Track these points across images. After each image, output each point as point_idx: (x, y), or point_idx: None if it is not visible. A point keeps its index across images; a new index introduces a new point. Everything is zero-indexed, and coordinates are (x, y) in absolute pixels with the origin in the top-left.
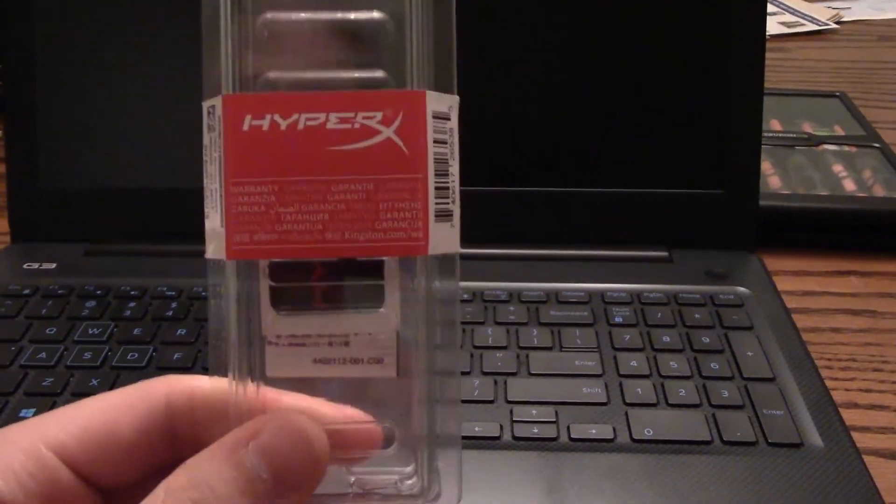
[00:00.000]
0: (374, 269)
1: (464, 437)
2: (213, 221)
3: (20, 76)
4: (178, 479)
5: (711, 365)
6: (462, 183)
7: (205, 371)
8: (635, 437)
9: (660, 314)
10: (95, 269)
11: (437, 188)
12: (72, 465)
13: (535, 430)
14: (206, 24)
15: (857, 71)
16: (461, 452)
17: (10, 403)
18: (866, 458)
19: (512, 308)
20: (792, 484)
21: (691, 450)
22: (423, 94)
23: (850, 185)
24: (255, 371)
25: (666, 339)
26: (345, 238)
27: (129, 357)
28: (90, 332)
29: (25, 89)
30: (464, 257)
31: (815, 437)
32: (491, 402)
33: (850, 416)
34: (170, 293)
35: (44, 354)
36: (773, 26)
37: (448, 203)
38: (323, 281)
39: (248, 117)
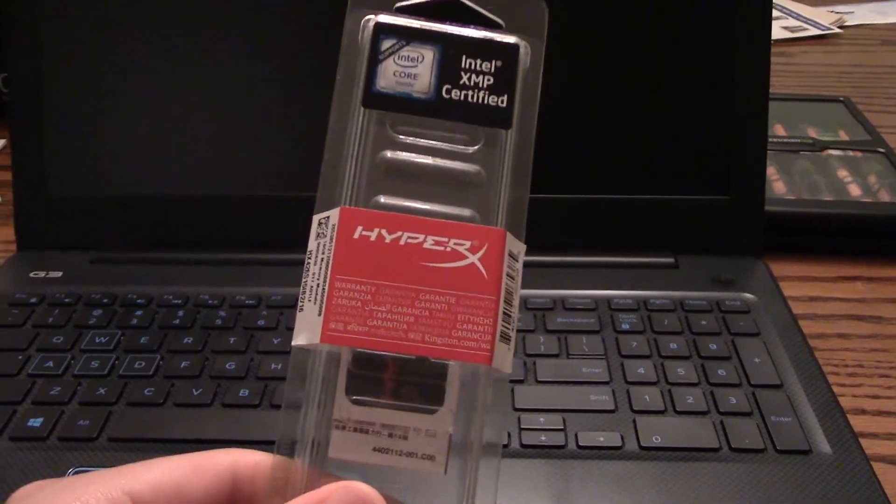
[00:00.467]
0: (441, 372)
1: None
2: (309, 312)
3: (26, 85)
4: None
5: (719, 372)
6: None
7: (216, 379)
8: (643, 444)
9: (666, 321)
10: (102, 277)
11: (503, 313)
12: None
13: (543, 438)
14: (329, 153)
15: (860, 75)
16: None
17: (18, 412)
18: (875, 465)
19: (519, 315)
20: (801, 491)
21: (699, 457)
22: (504, 232)
23: (855, 190)
24: (317, 454)
25: (673, 345)
26: (424, 339)
27: (136, 366)
28: (97, 340)
29: (31, 98)
30: None
31: (823, 444)
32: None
33: (857, 423)
34: (176, 301)
35: (51, 363)
36: (776, 31)
37: (509, 329)
38: (395, 377)
39: (360, 228)
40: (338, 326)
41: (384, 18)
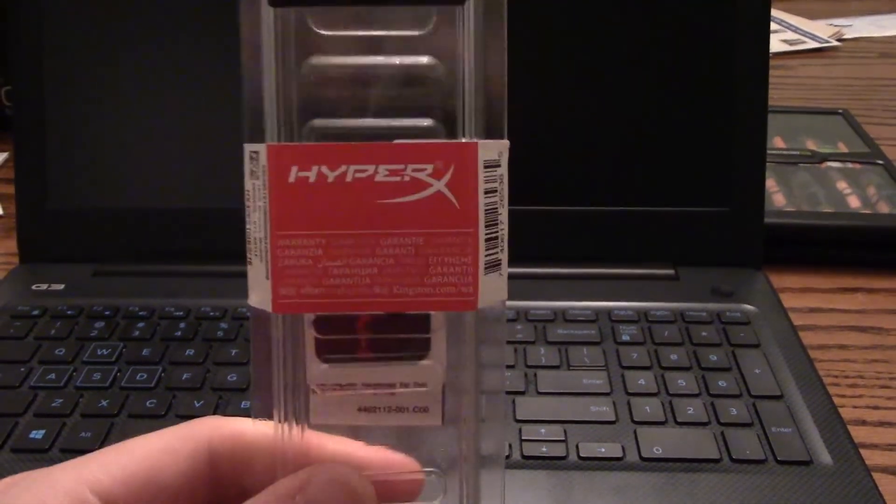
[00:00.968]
0: (421, 322)
1: None
2: (258, 271)
3: (28, 98)
4: None
5: (719, 383)
6: None
7: (217, 391)
8: (644, 455)
9: (667, 332)
10: (104, 289)
11: (486, 239)
12: None
13: (544, 449)
14: (246, 66)
15: (859, 88)
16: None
17: (20, 425)
18: (875, 476)
19: (519, 327)
20: (801, 502)
21: (700, 468)
22: (474, 145)
23: (854, 202)
24: (299, 416)
25: (673, 357)
26: (393, 293)
27: (137, 378)
28: (99, 352)
29: (34, 111)
30: None
31: (824, 455)
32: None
33: (858, 433)
34: (178, 313)
35: (53, 375)
36: (775, 44)
37: (497, 252)
38: (368, 332)
39: (295, 168)
40: (289, 292)
41: None
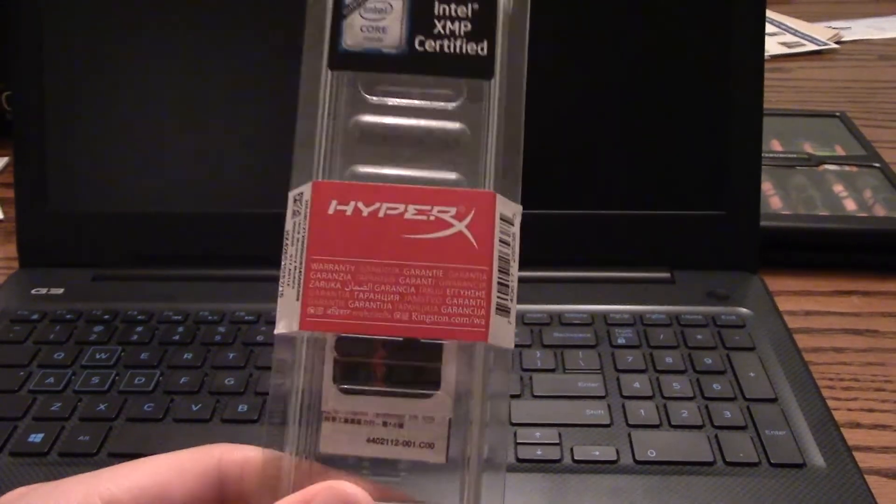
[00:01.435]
0: (434, 353)
1: None
2: (289, 299)
3: (29, 103)
4: None
5: (714, 386)
6: None
7: (215, 395)
8: (638, 458)
9: (662, 335)
10: (103, 293)
11: (499, 283)
12: None
13: (539, 452)
14: (300, 115)
15: (857, 90)
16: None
17: (19, 428)
18: (869, 479)
19: (516, 330)
20: None
21: (694, 471)
22: (493, 195)
23: (850, 205)
24: (308, 447)
25: (668, 360)
26: (412, 319)
27: (136, 381)
28: (97, 356)
29: (34, 115)
30: None
31: (817, 458)
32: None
33: (852, 436)
34: (176, 317)
35: (52, 379)
36: (773, 47)
37: (507, 300)
38: (385, 358)
39: (334, 202)
40: (317, 311)
41: None
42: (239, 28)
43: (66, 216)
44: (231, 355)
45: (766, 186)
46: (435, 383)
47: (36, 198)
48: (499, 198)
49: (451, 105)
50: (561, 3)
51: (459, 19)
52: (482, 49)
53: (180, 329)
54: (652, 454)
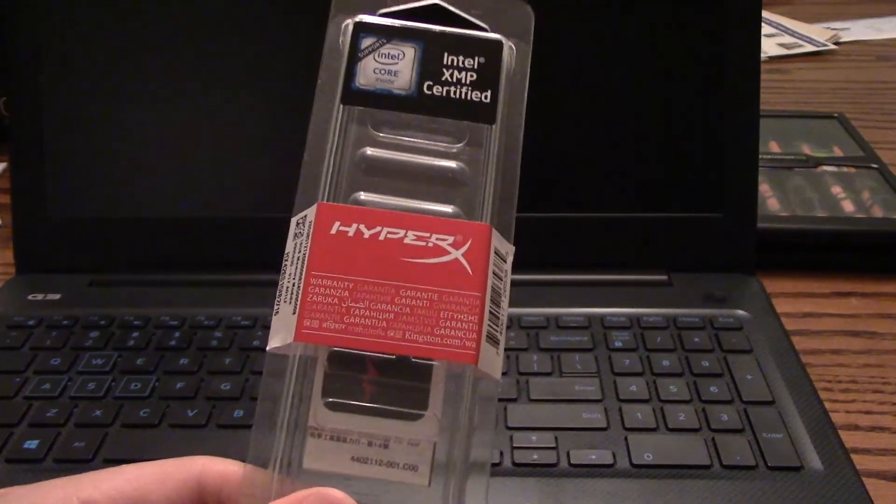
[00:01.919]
0: (424, 374)
1: None
2: (284, 313)
3: (27, 108)
4: None
5: (711, 389)
6: None
7: (211, 400)
8: (635, 462)
9: (659, 338)
10: (100, 299)
11: (490, 313)
12: None
13: (535, 457)
14: (310, 145)
15: (855, 91)
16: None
17: (15, 435)
18: (867, 481)
19: (512, 333)
20: None
21: (691, 474)
22: (489, 227)
23: (848, 207)
24: (292, 463)
25: (665, 363)
26: (405, 337)
27: (131, 387)
28: (94, 362)
29: (32, 121)
30: None
31: (815, 461)
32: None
33: (850, 439)
34: (173, 323)
35: (48, 385)
36: (771, 48)
37: (497, 332)
38: (375, 375)
39: (337, 223)
40: (312, 324)
41: (364, 18)
42: (238, 32)
43: (62, 222)
44: (227, 360)
45: (764, 188)
46: (422, 404)
47: (33, 204)
48: (494, 232)
49: (453, 147)
50: (558, 5)
51: (466, 70)
52: (486, 97)
53: (176, 334)
54: (649, 458)
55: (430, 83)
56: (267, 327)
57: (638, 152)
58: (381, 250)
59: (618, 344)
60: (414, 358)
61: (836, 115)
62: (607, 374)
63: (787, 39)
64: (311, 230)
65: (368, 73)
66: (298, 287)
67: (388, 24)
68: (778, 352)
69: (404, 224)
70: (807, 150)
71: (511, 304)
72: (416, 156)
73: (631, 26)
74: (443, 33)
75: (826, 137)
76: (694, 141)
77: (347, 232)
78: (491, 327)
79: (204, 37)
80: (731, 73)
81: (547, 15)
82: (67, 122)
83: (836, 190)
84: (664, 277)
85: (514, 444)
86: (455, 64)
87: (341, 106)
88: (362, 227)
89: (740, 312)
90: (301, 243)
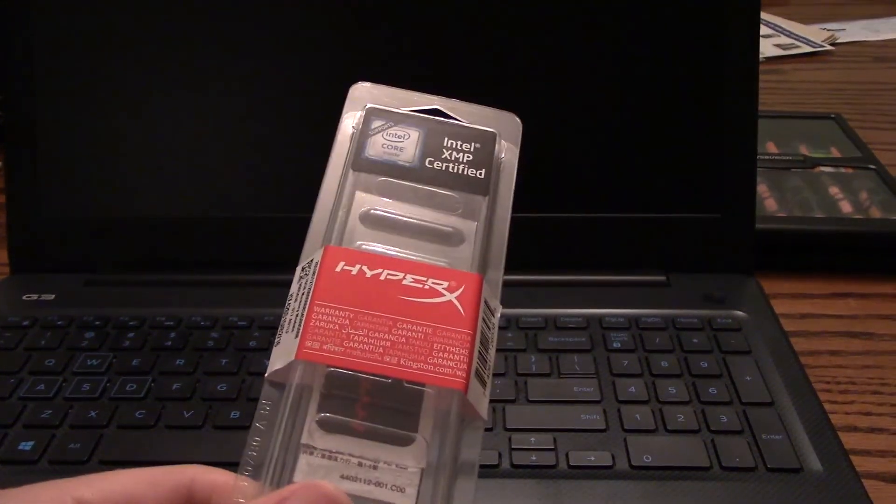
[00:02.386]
0: (415, 400)
1: None
2: (286, 342)
3: (21, 107)
4: None
5: (710, 390)
6: None
7: (207, 401)
8: (634, 463)
9: (658, 339)
10: (95, 299)
11: (479, 354)
12: None
13: (534, 458)
14: (318, 209)
15: (852, 92)
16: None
17: (9, 435)
18: (866, 482)
19: (510, 334)
20: None
21: (690, 476)
22: (480, 277)
23: (846, 207)
24: (283, 476)
25: (664, 364)
26: (400, 363)
27: (127, 388)
28: (89, 363)
29: (26, 121)
30: None
31: (814, 462)
32: (489, 429)
33: (849, 440)
34: (168, 323)
35: (42, 386)
36: (768, 48)
37: (485, 373)
38: (369, 397)
39: (342, 263)
40: (313, 345)
41: (377, 105)
42: (230, 32)
43: (57, 221)
44: (224, 361)
45: (762, 188)
46: (413, 428)
47: (28, 203)
48: (484, 285)
49: (450, 216)
50: (556, 5)
51: (463, 152)
52: (480, 174)
53: (172, 335)
54: (648, 459)
55: (432, 159)
56: (263, 328)
57: (636, 153)
58: (382, 288)
59: (616, 345)
60: (407, 383)
61: (833, 115)
62: (606, 375)
63: (784, 40)
64: (318, 269)
65: (377, 147)
66: (302, 317)
67: (397, 111)
68: (777, 353)
69: (404, 268)
70: (804, 150)
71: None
72: (415, 219)
73: (630, 28)
74: (445, 123)
75: (823, 138)
76: (692, 141)
77: (351, 271)
78: (479, 367)
79: (198, 36)
80: (730, 72)
81: (547, 13)
82: (62, 122)
83: (834, 190)
84: (662, 278)
85: (513, 446)
86: (454, 146)
87: (351, 171)
88: (365, 267)
89: (739, 313)
90: (306, 282)
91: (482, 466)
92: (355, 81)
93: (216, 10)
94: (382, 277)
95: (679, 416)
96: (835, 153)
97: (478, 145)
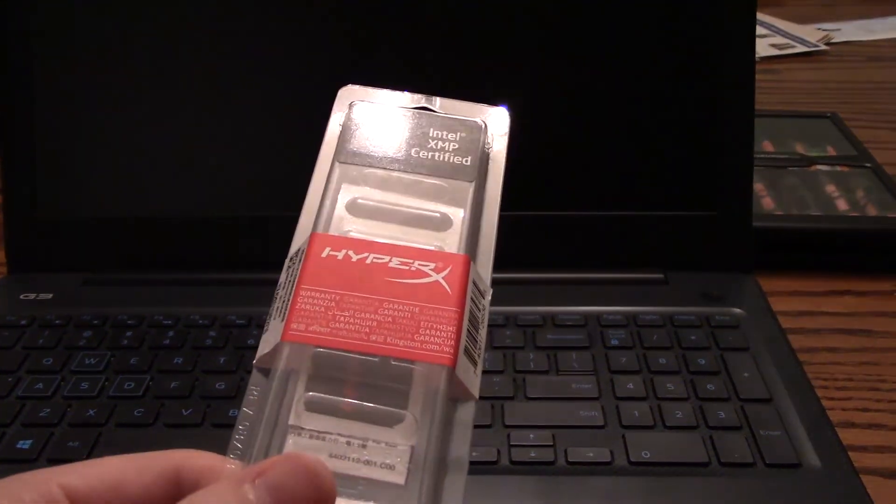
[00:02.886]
0: (404, 377)
1: None
2: (273, 327)
3: (18, 108)
4: None
5: (708, 386)
6: None
7: (206, 399)
8: (633, 459)
9: (656, 336)
10: (93, 298)
11: (468, 333)
12: None
13: (533, 454)
14: (307, 200)
15: (847, 92)
16: (465, 478)
17: (7, 434)
18: (864, 478)
19: (509, 332)
20: None
21: (689, 472)
22: (468, 258)
23: (843, 205)
24: (272, 453)
25: (662, 361)
26: (387, 342)
27: (125, 386)
28: (87, 361)
29: (23, 121)
30: None
31: (812, 458)
32: (488, 426)
33: (847, 436)
34: (167, 321)
35: (41, 385)
36: (763, 48)
37: (475, 353)
38: (357, 380)
39: (328, 249)
40: (299, 327)
41: (363, 101)
42: (229, 30)
43: (55, 221)
44: (222, 359)
45: (759, 187)
46: (402, 405)
47: (25, 203)
48: (473, 266)
49: (437, 203)
50: (556, 5)
51: (449, 141)
52: (466, 161)
53: (170, 333)
54: (646, 455)
55: (418, 149)
56: (262, 326)
57: (634, 151)
58: (368, 271)
59: (614, 342)
60: (394, 360)
61: (829, 114)
62: (604, 371)
63: (779, 40)
64: (304, 255)
65: (363, 139)
66: (288, 302)
67: (383, 106)
68: (775, 350)
69: (390, 252)
70: (800, 149)
71: (508, 303)
72: (401, 206)
73: (626, 26)
74: (431, 115)
75: (819, 137)
76: (690, 140)
77: (337, 256)
78: (469, 346)
79: (196, 36)
80: (726, 72)
81: (542, 13)
82: (59, 122)
83: (831, 189)
84: (660, 276)
85: (512, 443)
86: (440, 136)
87: (337, 163)
88: (351, 252)
89: (737, 310)
90: (294, 270)
91: (481, 463)
92: (353, 82)
93: (215, 11)
94: (369, 261)
95: (677, 413)
96: (831, 152)
97: (463, 134)
